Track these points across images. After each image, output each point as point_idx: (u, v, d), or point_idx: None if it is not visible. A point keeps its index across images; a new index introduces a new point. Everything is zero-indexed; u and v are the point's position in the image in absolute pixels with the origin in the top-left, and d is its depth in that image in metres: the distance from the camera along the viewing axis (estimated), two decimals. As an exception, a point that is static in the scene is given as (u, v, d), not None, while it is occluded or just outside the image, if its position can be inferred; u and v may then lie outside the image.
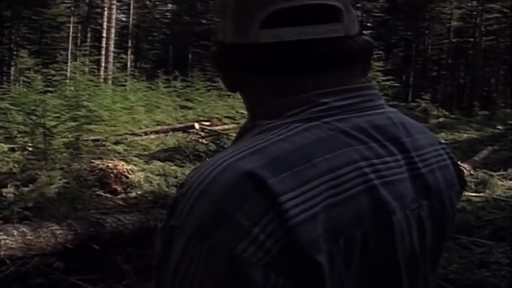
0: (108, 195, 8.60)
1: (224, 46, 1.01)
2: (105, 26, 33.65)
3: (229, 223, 0.77)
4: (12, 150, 11.58)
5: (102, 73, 29.84)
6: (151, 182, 9.13)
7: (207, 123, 18.27)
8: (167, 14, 57.87)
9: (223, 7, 1.01)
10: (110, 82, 27.85)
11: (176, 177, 9.54)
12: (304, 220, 0.79)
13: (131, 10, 49.25)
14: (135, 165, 9.96)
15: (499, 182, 10.32)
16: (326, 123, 0.89)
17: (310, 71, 0.95)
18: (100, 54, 32.53)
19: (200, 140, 14.79)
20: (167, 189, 8.92)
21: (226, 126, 18.09)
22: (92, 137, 13.67)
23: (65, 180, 8.40)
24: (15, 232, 4.79)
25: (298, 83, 0.95)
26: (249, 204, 0.78)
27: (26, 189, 8.19)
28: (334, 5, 0.95)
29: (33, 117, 12.46)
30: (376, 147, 0.91)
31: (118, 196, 8.64)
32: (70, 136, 12.74)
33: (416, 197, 0.95)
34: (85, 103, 16.02)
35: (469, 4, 49.67)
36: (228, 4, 0.99)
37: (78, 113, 15.08)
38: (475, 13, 48.44)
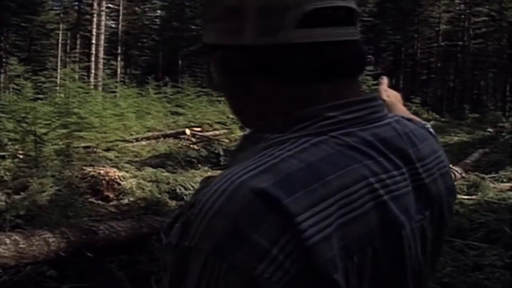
0: (100, 202, 8.57)
1: (237, 49, 0.94)
2: (94, 33, 33.65)
3: (248, 243, 0.76)
4: (3, 157, 11.51)
5: (92, 79, 29.79)
6: (143, 189, 9.11)
7: (198, 129, 18.27)
8: (156, 20, 57.90)
9: (234, 8, 0.94)
10: (100, 88, 27.78)
11: (168, 183, 9.51)
12: (321, 240, 0.79)
13: (121, 17, 49.29)
14: (126, 171, 9.93)
15: (491, 185, 10.33)
16: (333, 137, 0.89)
17: (331, 76, 0.94)
18: (89, 61, 32.50)
19: (191, 146, 14.80)
20: (159, 196, 8.89)
21: (217, 132, 18.10)
22: (83, 144, 13.63)
23: (57, 188, 8.36)
24: (8, 241, 4.75)
25: (314, 91, 0.94)
26: (265, 224, 0.77)
27: (17, 197, 8.15)
28: (351, 7, 0.96)
29: (24, 125, 12.41)
30: (383, 161, 0.91)
31: (110, 203, 8.61)
32: (61, 143, 12.70)
33: (419, 208, 0.96)
34: (75, 110, 15.95)
35: (457, 8, 50.02)
36: (247, 5, 0.93)
37: (69, 120, 15.02)
38: (463, 16, 48.74)
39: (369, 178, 0.87)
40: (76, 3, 46.35)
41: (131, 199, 8.72)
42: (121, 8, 49.50)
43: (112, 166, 10.16)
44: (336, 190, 0.83)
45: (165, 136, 17.31)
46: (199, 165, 12.03)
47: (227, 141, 14.81)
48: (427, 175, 0.99)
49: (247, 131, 0.99)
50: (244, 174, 0.81)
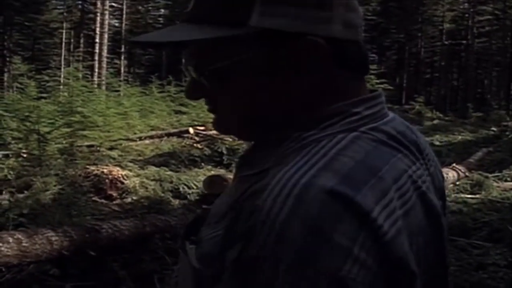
0: (103, 201, 8.57)
1: (323, 39, 0.89)
2: (98, 32, 33.69)
3: (330, 245, 0.74)
4: (7, 156, 11.52)
5: (95, 78, 29.84)
6: (146, 188, 9.11)
7: (202, 128, 18.22)
8: (160, 19, 57.86)
9: None
10: (103, 87, 27.81)
11: (171, 182, 9.52)
12: (396, 233, 0.79)
13: (124, 16, 49.30)
14: (130, 170, 9.93)
15: (495, 184, 10.33)
16: (364, 133, 0.89)
17: (361, 73, 0.98)
18: (93, 60, 32.56)
19: (195, 145, 14.79)
20: (162, 194, 8.90)
21: (220, 131, 18.06)
22: (86, 143, 13.64)
23: (60, 186, 8.37)
24: (11, 239, 4.76)
25: (349, 87, 0.96)
26: (342, 223, 0.75)
27: (21, 195, 8.15)
28: None
29: (27, 124, 12.40)
30: (408, 154, 0.93)
31: (114, 202, 8.61)
32: (64, 142, 12.70)
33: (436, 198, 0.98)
34: (79, 109, 15.96)
35: (461, 7, 49.96)
36: None
37: (72, 119, 15.02)
38: (467, 15, 48.69)
39: (408, 171, 0.89)
40: (80, 2, 46.49)
41: (135, 198, 8.72)
42: (124, 7, 49.51)
43: (116, 165, 10.17)
44: (391, 184, 0.83)
45: (169, 135, 17.30)
46: (203, 164, 12.03)
47: (230, 140, 14.77)
48: (431, 165, 1.00)
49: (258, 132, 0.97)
50: (303, 175, 0.79)
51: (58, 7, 49.23)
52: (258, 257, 0.75)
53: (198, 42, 0.93)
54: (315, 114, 0.91)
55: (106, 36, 34.96)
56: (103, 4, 35.17)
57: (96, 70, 31.95)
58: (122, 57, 47.07)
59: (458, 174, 10.69)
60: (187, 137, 16.55)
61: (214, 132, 17.57)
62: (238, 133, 1.02)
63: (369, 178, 0.81)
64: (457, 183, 10.38)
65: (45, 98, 19.36)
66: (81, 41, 44.55)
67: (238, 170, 1.00)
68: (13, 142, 13.13)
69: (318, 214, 0.75)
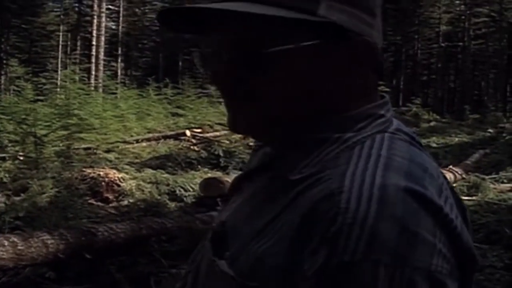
0: (99, 203, 8.56)
1: (370, 42, 0.93)
2: (94, 34, 33.68)
3: (419, 241, 0.75)
4: (3, 159, 11.51)
5: (92, 81, 29.80)
6: (142, 190, 9.10)
7: (199, 130, 18.25)
8: (157, 21, 57.90)
9: (370, 4, 0.95)
10: (100, 90, 27.77)
11: (167, 184, 9.50)
12: (461, 226, 0.82)
13: (121, 18, 49.32)
14: (126, 173, 9.92)
15: (491, 186, 10.33)
16: (393, 133, 0.92)
17: (383, 77, 1.02)
18: (90, 62, 32.52)
19: (191, 147, 14.78)
20: (159, 197, 8.89)
21: (217, 133, 18.08)
22: (83, 146, 13.62)
23: (57, 189, 8.35)
24: (6, 243, 4.74)
25: (373, 90, 0.99)
26: (422, 219, 0.77)
27: (17, 198, 8.14)
28: None
29: (24, 126, 12.40)
30: (424, 151, 0.95)
31: (110, 205, 8.60)
32: (61, 144, 12.69)
33: None
34: (76, 111, 15.95)
35: (458, 9, 50.08)
36: (377, 4, 0.97)
37: (69, 121, 15.01)
38: (463, 17, 48.80)
39: (438, 168, 0.92)
40: (77, 4, 46.51)
41: (131, 200, 8.71)
42: (121, 9, 49.53)
43: (112, 168, 10.16)
44: (439, 180, 0.86)
45: (166, 137, 17.30)
46: (199, 166, 12.02)
47: (227, 142, 14.79)
48: None
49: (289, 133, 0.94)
50: (374, 175, 0.80)
51: (55, 9, 49.30)
52: (352, 261, 0.73)
53: (271, 20, 0.86)
54: (348, 115, 0.92)
55: (103, 38, 34.93)
56: (100, 6, 35.15)
57: (93, 72, 31.91)
58: (119, 60, 47.07)
59: (455, 176, 10.69)
60: (184, 140, 16.55)
61: (211, 134, 17.59)
62: (264, 127, 0.95)
63: (424, 175, 0.83)
64: (454, 185, 10.39)
65: (42, 100, 19.34)
66: (78, 43, 44.53)
67: (260, 172, 0.99)
68: (9, 144, 13.12)
69: (403, 213, 0.76)
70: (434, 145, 18.03)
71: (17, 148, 12.54)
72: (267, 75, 0.90)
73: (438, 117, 31.43)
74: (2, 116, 15.64)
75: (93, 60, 32.75)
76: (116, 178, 9.11)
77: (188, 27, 0.99)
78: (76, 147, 12.97)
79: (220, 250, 0.93)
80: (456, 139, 19.98)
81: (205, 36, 0.99)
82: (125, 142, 15.69)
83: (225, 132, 17.77)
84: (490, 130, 22.44)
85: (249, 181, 1.02)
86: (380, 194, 0.77)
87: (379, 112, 0.94)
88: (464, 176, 11.03)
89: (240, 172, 1.14)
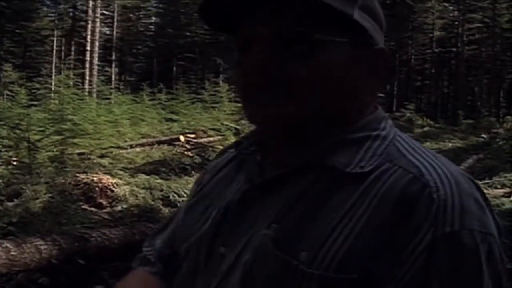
0: (93, 209, 8.53)
1: (385, 53, 1.06)
2: (89, 39, 33.60)
3: (488, 213, 0.91)
4: (-4, 164, 11.48)
5: (86, 86, 29.73)
6: (136, 196, 9.07)
7: (192, 136, 18.22)
8: (151, 27, 57.93)
9: (374, 11, 1.06)
10: (94, 95, 27.71)
11: (161, 190, 9.48)
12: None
13: (115, 23, 49.31)
14: (120, 178, 9.90)
15: (485, 191, 10.28)
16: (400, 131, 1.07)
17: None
18: (84, 67, 32.45)
19: (185, 152, 14.76)
20: (152, 203, 8.87)
21: (211, 139, 18.04)
22: (77, 151, 13.58)
23: (50, 195, 8.33)
24: (-1, 248, 4.74)
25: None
26: (480, 195, 0.93)
27: (10, 204, 8.11)
28: None
29: (18, 131, 12.36)
30: None
31: (103, 210, 8.58)
32: (55, 150, 12.65)
33: None
34: (69, 116, 15.91)
35: (451, 14, 50.20)
36: (379, 11, 1.08)
37: (63, 126, 14.98)
38: (456, 23, 48.91)
39: None
40: (71, 9, 46.43)
41: (124, 206, 8.69)
42: (115, 14, 49.52)
43: (106, 173, 10.13)
44: None
45: (159, 142, 17.26)
46: (193, 172, 12.01)
47: (221, 147, 14.74)
48: None
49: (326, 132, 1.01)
50: (434, 161, 0.95)
51: (49, 14, 49.19)
52: (453, 231, 0.86)
53: (323, 6, 0.95)
54: (373, 116, 1.05)
55: (97, 43, 34.87)
56: (94, 11, 35.11)
57: (87, 77, 31.85)
58: (113, 65, 47.04)
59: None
60: (178, 145, 16.52)
61: (205, 140, 17.58)
62: (299, 127, 0.99)
63: (455, 166, 0.98)
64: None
65: (35, 105, 19.31)
66: (72, 48, 44.48)
67: (301, 173, 1.00)
68: (3, 150, 13.07)
69: (471, 189, 0.92)
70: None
71: (10, 153, 12.49)
72: (310, 66, 0.95)
73: (431, 122, 31.43)
74: (-4, 121, 15.61)
75: (87, 65, 32.68)
76: (110, 184, 9.09)
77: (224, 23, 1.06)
78: (69, 152, 12.92)
79: (289, 254, 0.93)
80: (450, 144, 20.00)
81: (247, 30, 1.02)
82: (119, 147, 15.64)
83: (219, 137, 17.76)
84: (484, 136, 22.46)
85: (272, 189, 1.02)
86: (452, 175, 0.92)
87: (386, 115, 1.08)
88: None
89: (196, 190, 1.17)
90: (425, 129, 27.40)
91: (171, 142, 17.08)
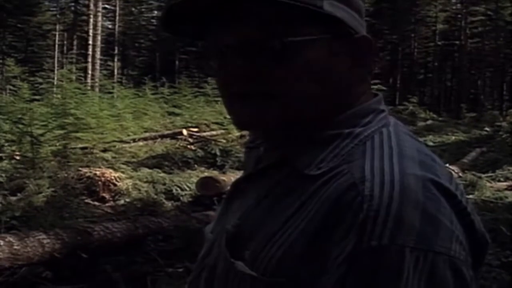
0: (96, 203, 8.55)
1: (366, 42, 0.98)
2: (91, 34, 33.61)
3: (440, 227, 0.79)
4: (0, 159, 11.50)
5: (89, 80, 29.75)
6: (139, 190, 9.09)
7: (195, 129, 18.22)
8: (153, 20, 57.80)
9: (360, 5, 1.01)
10: (97, 89, 27.75)
11: (164, 184, 9.49)
12: (473, 212, 0.86)
13: (117, 17, 49.28)
14: (123, 172, 9.91)
15: (488, 184, 10.34)
16: (394, 127, 0.96)
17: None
18: (86, 62, 32.48)
19: (188, 146, 14.76)
20: (155, 196, 8.88)
21: (214, 132, 18.06)
22: (79, 145, 13.59)
23: (53, 189, 8.34)
24: (2, 242, 4.74)
25: (368, 82, 1.03)
26: (442, 206, 0.81)
27: (13, 198, 8.13)
28: None
29: (20, 126, 12.37)
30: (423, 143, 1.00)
31: (106, 204, 8.60)
32: (57, 144, 12.66)
33: None
34: (72, 111, 15.91)
35: (454, 7, 50.14)
36: (362, 5, 1.02)
37: (66, 121, 14.99)
38: (459, 16, 48.83)
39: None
40: (73, 4, 46.45)
41: (127, 200, 8.70)
42: (117, 8, 49.48)
43: (108, 167, 10.14)
44: (445, 169, 0.91)
45: (162, 136, 17.27)
46: (196, 165, 12.01)
47: (224, 141, 14.76)
48: None
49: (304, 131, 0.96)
50: (391, 165, 0.85)
51: (51, 9, 49.21)
52: (380, 246, 0.76)
53: (285, 8, 0.89)
54: (354, 111, 0.97)
55: (99, 38, 34.87)
56: (96, 6, 35.09)
57: (90, 72, 31.86)
58: (116, 59, 47.02)
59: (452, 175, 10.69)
60: (181, 139, 16.53)
61: (208, 133, 17.59)
62: (283, 128, 0.96)
63: (434, 164, 0.88)
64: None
65: (38, 100, 19.34)
66: (74, 43, 44.53)
67: (268, 171, 0.99)
68: (6, 144, 13.10)
69: (424, 199, 0.80)
70: (431, 143, 18.02)
71: (13, 148, 12.52)
72: (287, 67, 0.92)
73: (434, 115, 31.43)
74: (-1, 116, 15.62)
75: (90, 59, 32.68)
76: (113, 178, 9.10)
77: (193, 31, 1.01)
78: (72, 146, 12.93)
79: (237, 252, 0.93)
80: (453, 137, 19.99)
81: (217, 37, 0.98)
82: (121, 141, 15.65)
83: (222, 131, 17.77)
84: (487, 129, 22.46)
85: (253, 181, 1.02)
86: (401, 182, 0.81)
87: (380, 107, 0.99)
88: (460, 174, 11.03)
89: (237, 175, 1.16)
90: (428, 122, 27.37)
91: (174, 136, 17.09)
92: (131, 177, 9.66)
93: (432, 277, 0.76)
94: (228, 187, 1.14)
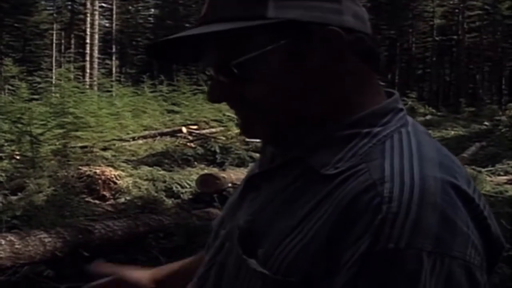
0: (96, 201, 8.54)
1: (332, 29, 0.90)
2: (88, 32, 33.62)
3: (457, 231, 0.78)
4: (0, 159, 11.49)
5: (87, 79, 29.76)
6: (139, 188, 9.08)
7: (195, 127, 18.23)
8: (150, 18, 57.87)
9: None
10: (95, 88, 27.74)
11: (164, 181, 9.49)
12: (489, 216, 0.85)
13: (114, 16, 49.26)
14: (123, 170, 9.90)
15: (488, 178, 10.34)
16: (413, 126, 0.95)
17: (379, 65, 1.00)
18: (84, 60, 32.47)
19: (188, 144, 14.77)
20: (155, 194, 8.87)
21: (213, 130, 18.05)
22: (79, 144, 13.59)
23: (53, 188, 8.34)
24: (3, 241, 4.73)
25: (376, 80, 0.99)
26: (459, 210, 0.79)
27: (14, 197, 8.13)
28: None
29: (20, 125, 12.37)
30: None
31: (107, 202, 8.59)
32: (57, 143, 12.66)
33: None
34: (71, 110, 15.89)
35: (451, 2, 50.09)
36: None
37: (65, 120, 14.97)
38: (457, 10, 48.86)
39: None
40: (69, 2, 46.42)
41: (128, 198, 8.69)
42: (114, 7, 49.45)
43: (108, 165, 10.14)
44: (464, 170, 0.89)
45: (162, 134, 17.28)
46: (196, 163, 12.01)
47: (223, 138, 14.75)
48: None
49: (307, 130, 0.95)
50: (411, 166, 0.83)
51: (48, 8, 49.19)
52: (397, 248, 0.75)
53: (224, 34, 0.90)
54: (373, 110, 0.94)
55: (96, 36, 34.86)
56: (92, 4, 35.08)
57: (88, 70, 31.87)
58: (114, 58, 46.99)
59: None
60: (180, 137, 16.54)
61: (207, 131, 17.58)
62: (274, 131, 0.97)
63: (453, 166, 0.87)
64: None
65: (37, 99, 19.33)
66: (72, 41, 44.47)
67: (283, 169, 0.98)
68: (5, 144, 13.09)
69: (443, 202, 0.78)
70: (430, 138, 18.05)
71: (13, 147, 12.50)
72: (253, 85, 0.92)
73: (433, 110, 31.51)
74: (-3, 116, 15.62)
75: (88, 58, 32.69)
76: (113, 176, 9.10)
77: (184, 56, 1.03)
78: (72, 145, 12.93)
79: (250, 249, 0.92)
80: (452, 132, 20.01)
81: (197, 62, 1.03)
82: (121, 139, 15.66)
83: (221, 128, 17.76)
84: (486, 123, 22.47)
85: (268, 178, 1.01)
86: (421, 184, 0.79)
87: (399, 107, 0.97)
88: (460, 169, 11.04)
89: (237, 172, 1.15)
90: (427, 117, 27.41)
91: (173, 133, 17.10)
92: (131, 175, 9.65)
93: (449, 282, 0.75)
94: (241, 181, 1.13)
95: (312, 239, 0.84)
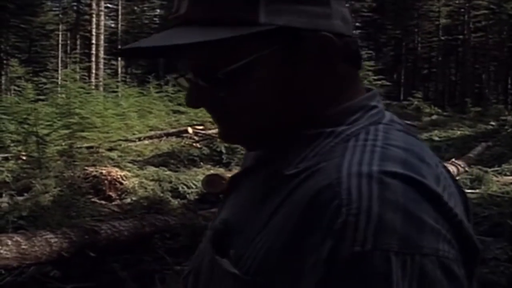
0: (102, 202, 8.57)
1: (325, 36, 0.89)
2: (94, 33, 33.68)
3: (425, 227, 0.75)
4: (6, 159, 11.53)
5: (93, 80, 29.81)
6: (145, 188, 9.10)
7: (201, 127, 18.23)
8: (156, 19, 57.82)
9: None
10: (101, 88, 27.79)
11: (170, 182, 9.51)
12: (461, 213, 0.82)
13: (120, 16, 49.31)
14: (129, 171, 9.93)
15: (494, 178, 10.33)
16: (387, 124, 0.91)
17: (360, 66, 0.99)
18: (90, 61, 32.52)
19: (194, 144, 14.78)
20: (161, 194, 8.89)
21: (219, 130, 18.05)
22: (85, 144, 13.63)
23: (60, 188, 8.35)
24: (9, 242, 4.74)
25: (358, 81, 0.98)
26: (424, 206, 0.76)
27: (20, 198, 8.15)
28: None
29: (26, 126, 12.42)
30: (421, 141, 0.94)
31: (113, 203, 8.61)
32: (63, 143, 12.70)
33: None
34: (77, 110, 15.96)
35: (457, 2, 49.92)
36: None
37: (71, 120, 15.03)
38: (462, 10, 48.69)
39: (436, 157, 0.91)
40: (75, 3, 46.45)
41: (134, 198, 8.72)
42: (120, 7, 49.52)
43: (114, 166, 10.16)
44: (437, 169, 0.85)
45: (168, 135, 17.30)
46: (202, 163, 12.03)
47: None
48: None
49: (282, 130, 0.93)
50: (371, 165, 0.79)
51: (54, 8, 49.23)
52: (364, 251, 0.72)
53: (211, 44, 0.85)
54: (339, 109, 0.92)
55: (102, 37, 34.93)
56: (98, 5, 35.14)
57: (94, 71, 31.92)
58: (119, 58, 47.01)
59: (458, 169, 10.69)
60: (186, 137, 16.55)
61: (213, 131, 17.58)
62: (254, 137, 0.96)
63: (420, 164, 0.82)
64: (457, 178, 10.36)
65: (43, 100, 19.39)
66: (78, 42, 44.53)
67: (256, 169, 0.99)
68: (12, 144, 13.14)
69: (405, 200, 0.75)
70: (436, 138, 18.03)
71: (19, 148, 12.56)
72: (238, 92, 0.90)
73: (439, 110, 31.42)
74: (4, 116, 15.67)
75: (93, 58, 32.75)
76: (119, 176, 9.12)
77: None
78: (78, 146, 12.97)
79: (222, 249, 0.92)
80: (458, 132, 19.97)
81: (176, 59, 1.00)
82: (127, 140, 15.70)
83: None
84: (492, 123, 22.40)
85: (246, 178, 1.01)
86: (379, 182, 0.76)
87: (371, 104, 0.93)
88: (466, 169, 11.02)
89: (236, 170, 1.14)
90: (433, 117, 27.35)
91: (179, 134, 17.12)
92: (137, 176, 9.68)
93: (423, 279, 0.72)
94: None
95: (276, 241, 0.83)
